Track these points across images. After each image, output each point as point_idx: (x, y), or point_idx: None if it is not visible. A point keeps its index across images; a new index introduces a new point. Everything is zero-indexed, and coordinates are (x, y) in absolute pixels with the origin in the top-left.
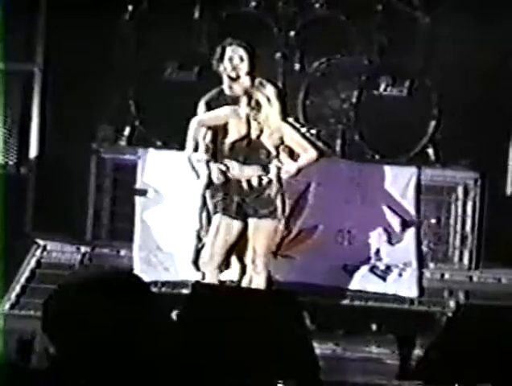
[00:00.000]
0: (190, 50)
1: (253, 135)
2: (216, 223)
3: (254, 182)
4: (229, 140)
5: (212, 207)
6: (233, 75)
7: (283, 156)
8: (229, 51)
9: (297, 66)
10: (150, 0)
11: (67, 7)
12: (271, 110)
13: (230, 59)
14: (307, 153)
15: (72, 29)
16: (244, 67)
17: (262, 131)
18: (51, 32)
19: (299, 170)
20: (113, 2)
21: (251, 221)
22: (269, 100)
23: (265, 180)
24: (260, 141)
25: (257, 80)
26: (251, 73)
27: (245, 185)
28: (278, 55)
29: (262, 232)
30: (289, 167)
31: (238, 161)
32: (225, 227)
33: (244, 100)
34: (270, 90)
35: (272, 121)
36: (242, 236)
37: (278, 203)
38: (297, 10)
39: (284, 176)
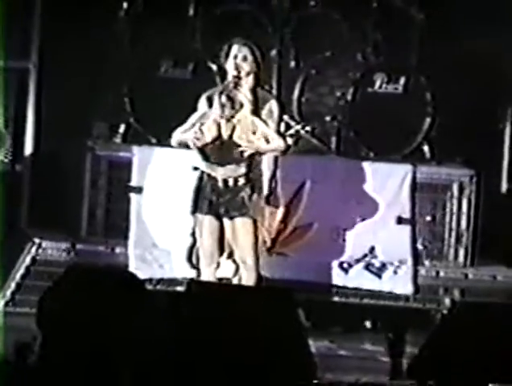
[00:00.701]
0: (184, 47)
1: (225, 135)
2: (198, 223)
3: (230, 183)
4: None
5: (192, 207)
6: (235, 73)
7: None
8: (234, 49)
9: (292, 63)
10: None
11: (62, 4)
12: (245, 106)
13: (235, 57)
14: (274, 142)
15: (67, 26)
16: (246, 67)
17: (233, 130)
18: (45, 29)
19: (260, 153)
20: None
21: (225, 221)
22: (242, 102)
23: (241, 181)
24: (232, 141)
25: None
26: (255, 73)
27: (220, 184)
28: (273, 52)
29: (238, 231)
30: (252, 146)
31: (212, 162)
32: (207, 226)
33: (221, 99)
34: (244, 91)
35: (245, 117)
36: (223, 234)
37: (251, 205)
38: (292, 8)
39: (246, 148)
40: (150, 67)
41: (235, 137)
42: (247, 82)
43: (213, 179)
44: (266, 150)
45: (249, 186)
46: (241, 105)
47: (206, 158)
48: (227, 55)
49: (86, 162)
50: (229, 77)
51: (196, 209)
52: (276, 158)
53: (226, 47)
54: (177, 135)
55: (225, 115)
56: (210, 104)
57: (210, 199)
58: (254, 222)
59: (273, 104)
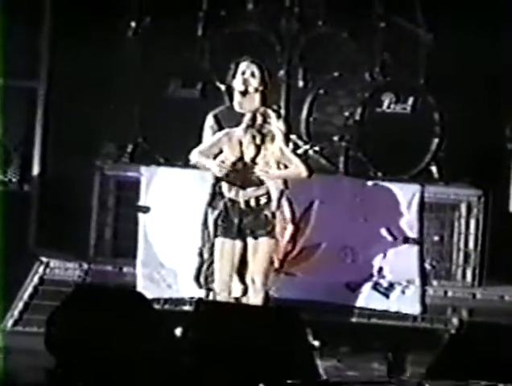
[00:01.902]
0: (193, 67)
1: (247, 157)
2: (219, 246)
3: (252, 203)
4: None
5: (212, 230)
6: (242, 88)
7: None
8: (242, 66)
9: (300, 83)
10: (153, 17)
11: (70, 25)
12: (275, 135)
13: (242, 73)
14: (296, 168)
15: (76, 46)
16: (254, 83)
17: (258, 153)
18: (54, 49)
19: (282, 179)
20: (116, 18)
21: (249, 241)
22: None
23: (263, 200)
24: (255, 164)
25: (261, 109)
26: (262, 91)
27: (243, 206)
28: (282, 72)
29: (259, 250)
30: (272, 172)
31: (234, 184)
32: (228, 250)
33: (247, 119)
34: (274, 118)
35: (273, 144)
36: (245, 256)
37: (276, 222)
38: (300, 28)
39: (266, 178)
40: (159, 87)
41: (258, 161)
42: (254, 100)
43: (235, 202)
44: (285, 177)
45: (273, 204)
46: (273, 138)
47: (227, 181)
48: (235, 73)
49: (94, 181)
50: (236, 94)
51: (218, 233)
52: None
53: (234, 66)
54: (196, 156)
55: (249, 135)
56: (217, 123)
57: (233, 222)
58: (276, 242)
59: (280, 123)
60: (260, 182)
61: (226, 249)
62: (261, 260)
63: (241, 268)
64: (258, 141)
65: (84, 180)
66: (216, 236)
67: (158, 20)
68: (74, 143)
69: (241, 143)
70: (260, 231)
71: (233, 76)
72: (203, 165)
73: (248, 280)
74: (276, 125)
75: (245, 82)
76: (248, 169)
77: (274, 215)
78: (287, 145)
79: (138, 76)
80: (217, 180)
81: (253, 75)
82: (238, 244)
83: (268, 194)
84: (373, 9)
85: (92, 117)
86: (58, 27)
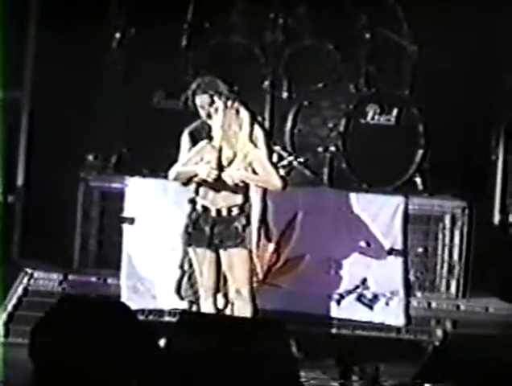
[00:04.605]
0: (177, 78)
1: (225, 162)
2: (194, 256)
3: (224, 213)
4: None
5: (185, 239)
6: (206, 117)
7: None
8: (197, 100)
9: (285, 94)
10: (137, 28)
11: (55, 35)
12: (243, 134)
13: (202, 107)
14: (269, 176)
15: (60, 57)
16: (213, 109)
17: (234, 157)
18: (39, 60)
19: (251, 182)
20: (101, 29)
21: (221, 252)
22: (241, 124)
23: (235, 212)
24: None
25: (233, 105)
26: (232, 100)
27: (214, 214)
28: (266, 83)
29: (235, 262)
30: (243, 172)
31: (208, 189)
32: (201, 259)
33: (218, 122)
34: (244, 114)
35: (244, 145)
36: (219, 268)
37: (246, 234)
38: (284, 39)
39: (231, 178)
40: (143, 98)
41: (233, 166)
42: (232, 107)
43: (207, 210)
44: (255, 181)
45: (245, 217)
46: (240, 127)
47: (200, 185)
48: (193, 96)
49: (79, 192)
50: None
51: (190, 242)
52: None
53: (189, 94)
54: (178, 169)
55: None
56: (193, 140)
57: (204, 231)
58: (250, 252)
59: (256, 129)
60: (235, 191)
61: (200, 258)
62: (240, 272)
63: (220, 280)
64: (234, 142)
65: (68, 191)
66: (189, 245)
67: (143, 31)
68: (58, 154)
69: (220, 148)
70: (229, 242)
71: (193, 97)
72: (187, 172)
73: (232, 291)
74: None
75: (209, 114)
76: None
77: (244, 228)
78: (270, 156)
79: (122, 87)
80: (197, 188)
81: (210, 104)
82: (210, 254)
83: (241, 205)
84: (358, 20)
85: (76, 127)
86: (42, 38)
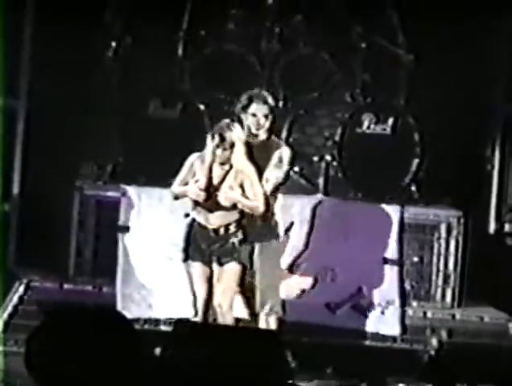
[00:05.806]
0: (173, 87)
1: (217, 180)
2: (191, 269)
3: (222, 231)
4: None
5: (183, 254)
6: (255, 131)
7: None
8: (253, 107)
9: (280, 103)
10: (133, 36)
11: (51, 44)
12: (237, 152)
13: (254, 115)
14: (255, 200)
15: (56, 66)
16: (267, 124)
17: (226, 174)
18: (34, 69)
19: (238, 204)
20: (97, 38)
21: (215, 267)
22: (234, 142)
23: (232, 229)
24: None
25: (226, 121)
26: (271, 124)
27: (211, 233)
28: None
29: (224, 274)
30: (232, 194)
31: (203, 208)
32: (198, 273)
33: (214, 141)
34: (237, 131)
35: (237, 162)
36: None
37: (242, 249)
38: (280, 48)
39: (226, 201)
40: (139, 107)
41: (225, 185)
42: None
43: (204, 227)
44: (242, 205)
45: (241, 232)
46: (232, 145)
47: (197, 203)
48: (244, 108)
49: (74, 201)
50: (245, 130)
51: (187, 256)
52: None
53: (245, 101)
54: (176, 187)
55: (217, 156)
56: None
57: (201, 248)
58: (243, 267)
59: (284, 152)
60: (231, 208)
61: (196, 273)
62: (227, 285)
63: (212, 293)
64: (220, 151)
65: (64, 200)
66: (185, 259)
67: (139, 40)
68: (54, 163)
69: (211, 166)
70: (226, 258)
71: (243, 110)
72: (183, 192)
73: (215, 304)
74: (238, 135)
75: (259, 124)
76: (215, 192)
77: (240, 243)
78: (288, 173)
79: (118, 96)
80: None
81: (266, 117)
82: (205, 269)
83: (240, 220)
84: (354, 29)
85: (72, 136)
86: (38, 47)
